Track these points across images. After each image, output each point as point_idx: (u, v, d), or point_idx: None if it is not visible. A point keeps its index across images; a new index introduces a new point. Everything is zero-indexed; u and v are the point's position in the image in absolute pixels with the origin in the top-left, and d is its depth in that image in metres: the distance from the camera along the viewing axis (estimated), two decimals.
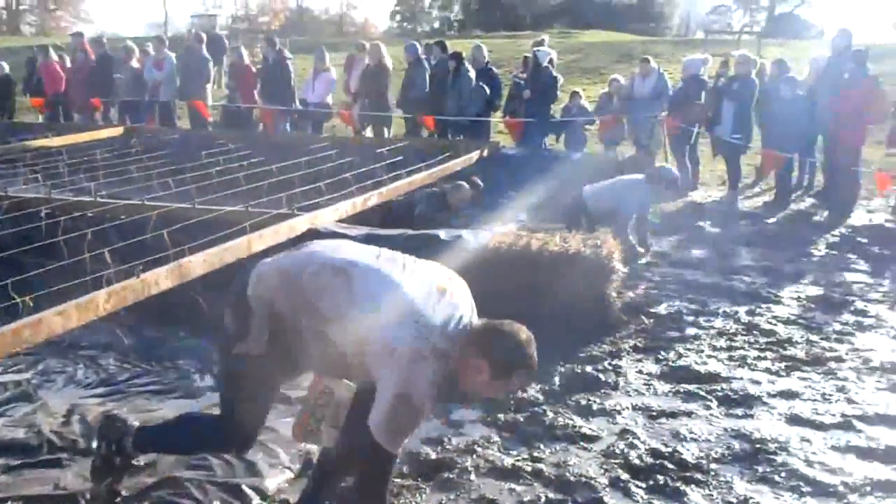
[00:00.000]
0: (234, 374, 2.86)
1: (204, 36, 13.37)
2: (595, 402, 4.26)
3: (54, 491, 3.23)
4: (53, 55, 13.82)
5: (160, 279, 4.19)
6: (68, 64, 13.68)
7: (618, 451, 3.73)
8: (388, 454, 2.67)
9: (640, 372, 4.72)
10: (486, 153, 8.80)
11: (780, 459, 3.69)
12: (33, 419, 3.85)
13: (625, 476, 3.52)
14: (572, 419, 4.04)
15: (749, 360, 4.93)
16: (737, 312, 5.82)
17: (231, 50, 14.19)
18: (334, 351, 2.69)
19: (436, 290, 2.70)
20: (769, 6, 44.32)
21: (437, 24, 49.36)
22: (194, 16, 40.08)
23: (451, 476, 3.47)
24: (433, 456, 3.60)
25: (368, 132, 11.67)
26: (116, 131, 10.08)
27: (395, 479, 3.31)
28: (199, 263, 4.45)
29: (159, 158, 8.07)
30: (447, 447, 3.69)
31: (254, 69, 12.81)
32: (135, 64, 12.88)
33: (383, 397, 2.59)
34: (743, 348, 5.15)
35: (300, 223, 5.37)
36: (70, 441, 3.64)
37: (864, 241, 8.15)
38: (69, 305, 3.70)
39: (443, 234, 5.40)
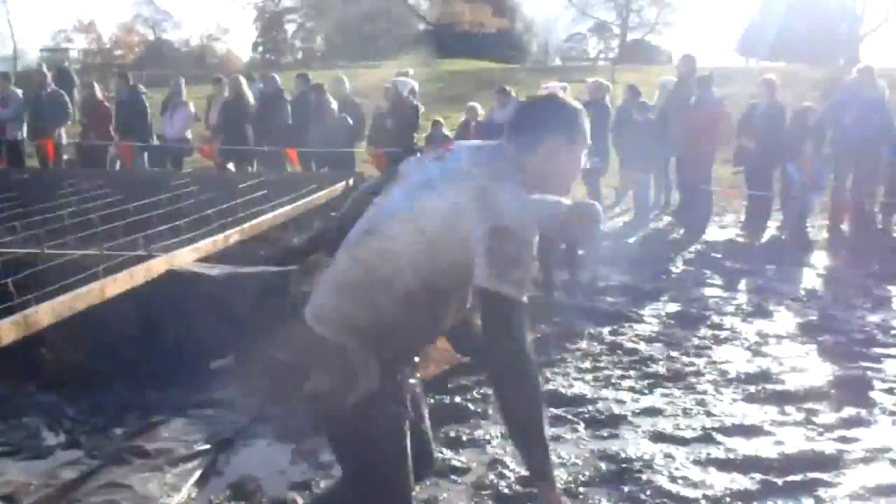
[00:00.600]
0: (365, 433, 2.30)
1: (47, 72, 12.80)
2: (465, 432, 4.24)
3: None
4: None
5: (3, 332, 3.93)
6: None
7: (488, 481, 3.72)
8: (511, 301, 2.13)
9: None
10: (351, 184, 8.75)
11: (645, 477, 3.77)
12: None
13: None
14: (442, 452, 3.99)
15: (613, 380, 5.03)
16: (601, 333, 5.95)
17: (83, 84, 13.67)
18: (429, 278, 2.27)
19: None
20: (621, 34, 46.17)
21: (300, 56, 49.03)
22: (44, 49, 38.51)
23: None
24: (300, 502, 3.49)
25: (231, 166, 11.43)
26: None
27: None
28: (46, 313, 4.20)
29: (6, 201, 7.65)
30: (315, 491, 3.58)
31: (107, 104, 12.38)
32: None
33: (475, 246, 2.14)
34: (608, 368, 5.26)
35: (157, 264, 5.16)
36: None
37: (718, 256, 8.54)
38: None
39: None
